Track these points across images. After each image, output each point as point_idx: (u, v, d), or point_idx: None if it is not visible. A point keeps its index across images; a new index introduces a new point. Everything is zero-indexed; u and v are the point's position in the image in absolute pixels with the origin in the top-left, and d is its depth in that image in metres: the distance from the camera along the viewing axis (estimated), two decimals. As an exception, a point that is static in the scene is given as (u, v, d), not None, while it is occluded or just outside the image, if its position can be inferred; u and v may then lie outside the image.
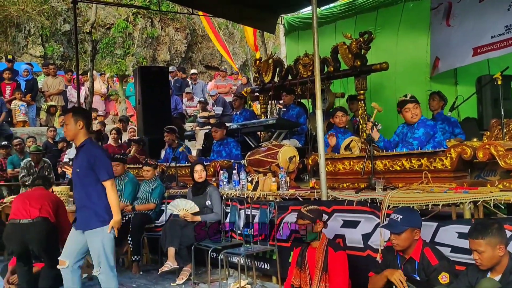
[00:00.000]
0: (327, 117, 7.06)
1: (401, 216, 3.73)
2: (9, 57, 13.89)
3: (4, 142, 10.06)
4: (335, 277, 4.06)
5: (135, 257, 6.53)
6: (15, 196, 7.31)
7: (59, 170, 9.48)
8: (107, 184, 4.42)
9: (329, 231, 4.67)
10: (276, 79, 8.70)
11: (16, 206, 5.30)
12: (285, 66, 8.64)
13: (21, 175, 8.97)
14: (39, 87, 12.99)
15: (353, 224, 4.75)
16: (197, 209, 6.05)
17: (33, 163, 9.06)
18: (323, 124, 5.23)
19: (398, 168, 4.96)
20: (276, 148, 6.48)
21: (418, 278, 3.59)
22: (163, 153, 8.92)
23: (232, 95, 12.48)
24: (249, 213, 5.75)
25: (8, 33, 17.56)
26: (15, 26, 17.65)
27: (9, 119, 11.82)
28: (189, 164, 7.29)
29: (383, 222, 4.29)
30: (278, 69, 8.62)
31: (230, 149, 7.55)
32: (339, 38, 8.53)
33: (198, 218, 5.99)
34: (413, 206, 4.30)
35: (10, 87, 12.33)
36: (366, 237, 4.56)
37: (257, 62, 9.12)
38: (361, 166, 5.14)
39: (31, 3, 17.81)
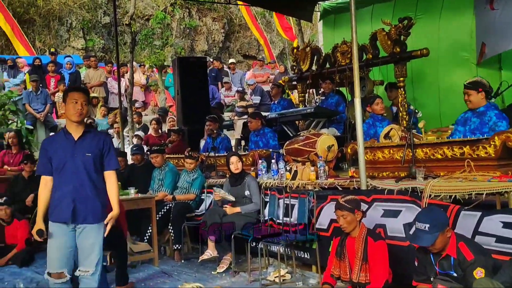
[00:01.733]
0: (366, 105, 6.98)
1: (428, 225, 3.53)
2: (52, 50, 14.22)
3: (52, 134, 10.32)
4: (375, 267, 4.03)
5: (177, 245, 6.64)
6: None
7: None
8: (113, 175, 4.11)
9: (369, 220, 4.62)
10: (313, 68, 8.63)
11: None
12: (323, 54, 8.56)
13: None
14: (81, 79, 13.27)
15: (394, 214, 4.69)
16: (232, 198, 6.10)
17: None
18: (361, 112, 5.17)
19: (439, 156, 4.85)
20: (315, 137, 6.45)
21: (455, 275, 3.50)
22: (202, 142, 8.99)
23: (270, 84, 12.45)
24: (288, 202, 5.75)
25: (51, 27, 17.99)
26: (58, 19, 18.07)
27: (53, 110, 12.13)
28: (228, 154, 7.34)
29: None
30: (315, 57, 8.55)
31: (267, 139, 7.55)
32: (376, 22, 8.38)
33: (237, 210, 6.03)
34: (455, 196, 4.21)
35: (54, 79, 12.63)
36: (408, 226, 4.49)
37: (295, 50, 9.06)
38: (401, 155, 5.05)
39: (72, -3, 18.20)
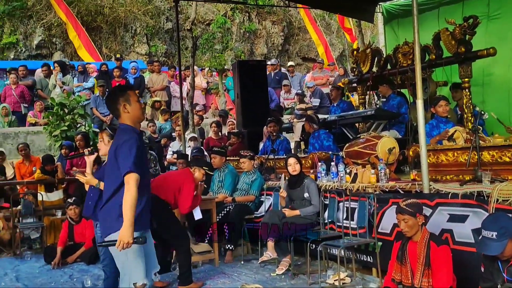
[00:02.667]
0: (429, 106, 6.79)
1: (495, 232, 3.40)
2: (118, 55, 14.71)
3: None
4: (438, 273, 3.91)
5: (229, 245, 6.71)
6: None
7: (165, 162, 9.92)
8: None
9: (434, 225, 4.50)
10: (374, 69, 8.50)
11: None
12: (384, 56, 8.41)
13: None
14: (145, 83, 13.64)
15: (461, 219, 4.53)
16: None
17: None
18: (424, 114, 5.04)
19: (507, 159, 4.66)
20: (375, 139, 6.35)
21: (524, 280, 3.35)
22: (261, 145, 9.04)
23: (329, 86, 12.36)
24: (348, 205, 5.69)
25: (117, 34, 18.63)
26: (123, 26, 18.69)
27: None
28: (286, 156, 7.34)
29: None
30: (376, 58, 8.41)
31: (321, 140, 7.51)
32: (442, 25, 8.13)
33: (297, 212, 6.02)
34: None
35: (120, 84, 13.06)
36: (477, 232, 4.33)
37: (355, 52, 8.95)
38: (466, 158, 4.89)
39: (137, 4, 18.76)
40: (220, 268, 6.35)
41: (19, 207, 8.06)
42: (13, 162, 9.27)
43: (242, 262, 6.58)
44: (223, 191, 7.25)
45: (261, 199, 7.18)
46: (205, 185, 6.66)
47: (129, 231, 3.23)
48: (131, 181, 3.29)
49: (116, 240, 3.26)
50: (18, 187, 8.80)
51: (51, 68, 13.08)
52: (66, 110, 10.39)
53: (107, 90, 12.08)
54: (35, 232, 8.00)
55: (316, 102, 12.62)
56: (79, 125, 10.51)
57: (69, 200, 7.36)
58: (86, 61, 15.03)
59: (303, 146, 8.25)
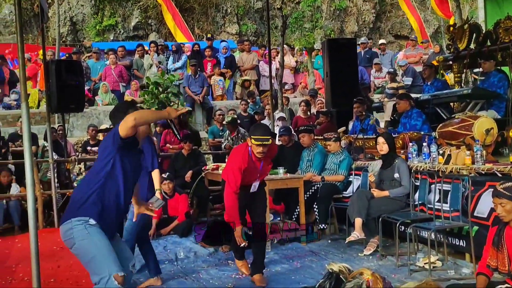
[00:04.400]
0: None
1: None
2: (209, 35, 15.02)
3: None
4: (539, 261, 3.69)
5: (321, 225, 6.71)
6: (216, 164, 8.00)
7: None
8: None
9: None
10: (472, 46, 8.06)
11: None
12: (483, 31, 7.94)
13: (224, 144, 9.69)
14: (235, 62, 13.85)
15: None
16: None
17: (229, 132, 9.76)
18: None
19: None
20: (471, 119, 6.04)
21: None
22: (350, 124, 8.91)
23: (422, 65, 11.91)
24: (440, 187, 5.50)
25: (209, 14, 19.00)
26: (215, 7, 19.01)
27: (210, 93, 12.86)
28: (376, 135, 7.20)
29: None
30: (474, 34, 7.95)
31: (413, 120, 7.26)
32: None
33: (386, 193, 5.91)
34: None
35: (211, 63, 13.34)
36: None
37: (451, 28, 8.51)
38: None
39: (228, -16, 18.99)
40: (308, 246, 6.39)
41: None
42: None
43: (329, 241, 6.58)
44: (312, 170, 7.26)
45: (350, 179, 7.10)
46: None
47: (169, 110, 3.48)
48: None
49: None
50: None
51: (146, 48, 13.61)
52: (161, 89, 10.80)
53: (198, 69, 12.39)
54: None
55: (408, 81, 12.21)
56: (172, 103, 10.90)
57: (163, 175, 7.68)
58: (180, 41, 15.48)
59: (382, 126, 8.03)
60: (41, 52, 10.75)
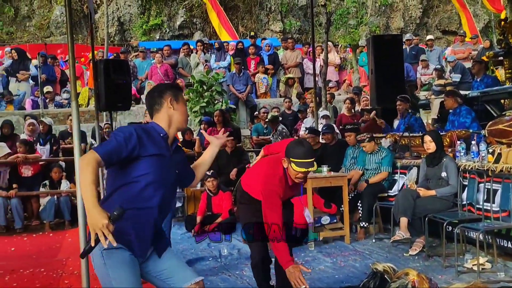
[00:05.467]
0: None
1: None
2: (252, 33, 15.07)
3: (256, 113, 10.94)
4: None
5: (363, 223, 6.64)
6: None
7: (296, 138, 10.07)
8: None
9: None
10: (524, 41, 7.79)
11: None
12: (536, 26, 7.66)
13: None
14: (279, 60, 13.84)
15: None
16: None
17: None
18: None
19: None
20: (524, 117, 5.85)
21: None
22: (396, 122, 8.77)
23: (471, 61, 11.58)
24: (489, 187, 5.34)
25: (253, 12, 19.07)
26: (259, 5, 19.06)
27: (253, 91, 12.90)
28: (422, 134, 7.05)
29: None
30: (527, 29, 7.69)
31: (462, 118, 7.08)
32: None
33: (432, 192, 5.79)
34: None
35: (254, 61, 13.39)
36: None
37: (502, 22, 8.25)
38: None
39: (272, -19, 19.02)
40: (352, 245, 6.33)
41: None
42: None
43: (374, 241, 6.50)
44: (356, 168, 7.19)
45: (395, 178, 6.99)
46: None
47: (94, 212, 2.44)
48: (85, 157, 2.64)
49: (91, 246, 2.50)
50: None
51: (191, 47, 13.78)
52: (205, 87, 10.92)
53: (242, 67, 12.45)
54: (178, 202, 8.56)
55: (456, 77, 11.90)
56: (216, 101, 11.00)
57: (207, 172, 7.75)
58: (224, 39, 15.59)
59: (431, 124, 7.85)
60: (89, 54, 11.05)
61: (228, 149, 8.42)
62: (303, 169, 3.66)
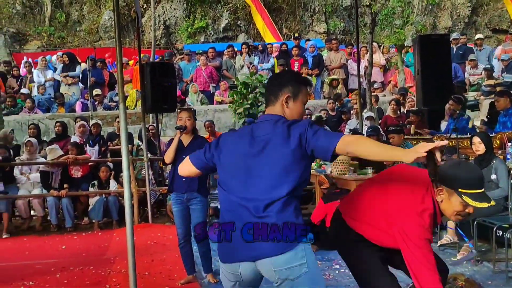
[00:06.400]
0: None
1: None
2: (296, 35, 15.04)
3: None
4: None
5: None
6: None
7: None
8: None
9: None
10: None
11: None
12: None
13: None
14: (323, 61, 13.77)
15: None
16: None
17: None
18: None
19: None
20: None
21: None
22: (443, 124, 8.58)
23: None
24: (542, 190, 5.16)
25: (297, 13, 19.04)
26: (302, 6, 19.02)
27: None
28: (470, 135, 6.88)
29: None
30: None
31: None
32: None
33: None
34: None
35: (298, 63, 13.36)
36: None
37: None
38: None
39: (316, -18, 18.94)
40: (397, 248, 6.22)
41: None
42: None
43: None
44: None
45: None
46: None
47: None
48: None
49: None
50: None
51: (235, 49, 13.88)
52: (249, 89, 10.97)
53: (286, 69, 12.44)
54: (218, 203, 8.61)
55: (508, 77, 11.53)
56: (260, 103, 11.02)
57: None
58: (268, 41, 15.63)
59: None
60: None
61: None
62: (485, 204, 2.63)
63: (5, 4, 19.43)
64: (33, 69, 13.68)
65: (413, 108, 9.92)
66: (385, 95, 13.11)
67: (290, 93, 2.70)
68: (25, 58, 14.79)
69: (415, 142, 7.86)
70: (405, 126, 9.10)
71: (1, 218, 8.00)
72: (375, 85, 12.83)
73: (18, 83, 13.51)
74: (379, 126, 8.95)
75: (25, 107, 12.15)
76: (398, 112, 10.11)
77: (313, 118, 10.01)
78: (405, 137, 7.48)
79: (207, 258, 5.18)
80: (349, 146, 2.45)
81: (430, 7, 19.03)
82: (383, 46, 15.23)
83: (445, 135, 7.67)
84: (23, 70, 13.98)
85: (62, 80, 13.20)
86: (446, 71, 9.60)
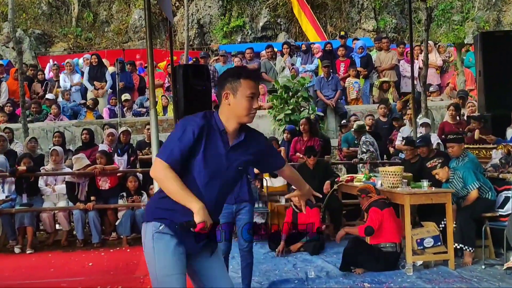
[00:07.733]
0: None
1: None
2: (342, 33, 14.97)
3: (343, 121, 10.81)
4: None
5: (466, 247, 6.36)
6: (350, 175, 7.93)
7: (391, 149, 9.84)
8: None
9: None
10: None
11: None
12: None
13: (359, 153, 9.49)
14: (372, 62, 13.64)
15: None
16: None
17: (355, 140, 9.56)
18: None
19: None
20: None
21: None
22: (509, 131, 8.38)
23: None
24: None
25: (343, 10, 18.98)
26: (349, 1, 18.95)
27: (343, 97, 12.77)
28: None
29: None
30: None
31: None
32: None
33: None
34: None
35: (344, 64, 13.29)
36: None
37: None
38: None
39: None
40: (457, 271, 6.10)
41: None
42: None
43: (484, 267, 6.21)
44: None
45: (508, 195, 6.66)
46: None
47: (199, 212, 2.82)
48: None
49: None
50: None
51: (275, 49, 13.87)
52: (290, 93, 10.96)
53: (331, 70, 12.38)
54: (261, 218, 8.62)
55: None
56: (302, 108, 11.00)
57: (293, 187, 7.77)
58: (312, 40, 15.61)
59: None
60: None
61: (309, 165, 8.33)
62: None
63: (31, 4, 20.06)
64: (59, 73, 13.99)
65: (474, 114, 9.72)
66: (442, 99, 12.90)
67: (228, 90, 2.93)
68: (50, 61, 15.18)
69: (476, 152, 7.70)
70: (466, 134, 8.92)
71: (25, 232, 8.21)
72: (431, 88, 12.65)
73: (43, 87, 13.83)
74: (433, 134, 8.79)
75: (50, 113, 12.45)
76: (458, 118, 9.92)
77: (354, 126, 9.80)
78: (465, 146, 7.33)
79: (249, 272, 5.35)
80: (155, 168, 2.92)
81: (494, 1, 18.67)
82: (440, 45, 15.02)
83: (510, 144, 7.48)
84: (50, 74, 14.32)
85: (91, 91, 13.36)
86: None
